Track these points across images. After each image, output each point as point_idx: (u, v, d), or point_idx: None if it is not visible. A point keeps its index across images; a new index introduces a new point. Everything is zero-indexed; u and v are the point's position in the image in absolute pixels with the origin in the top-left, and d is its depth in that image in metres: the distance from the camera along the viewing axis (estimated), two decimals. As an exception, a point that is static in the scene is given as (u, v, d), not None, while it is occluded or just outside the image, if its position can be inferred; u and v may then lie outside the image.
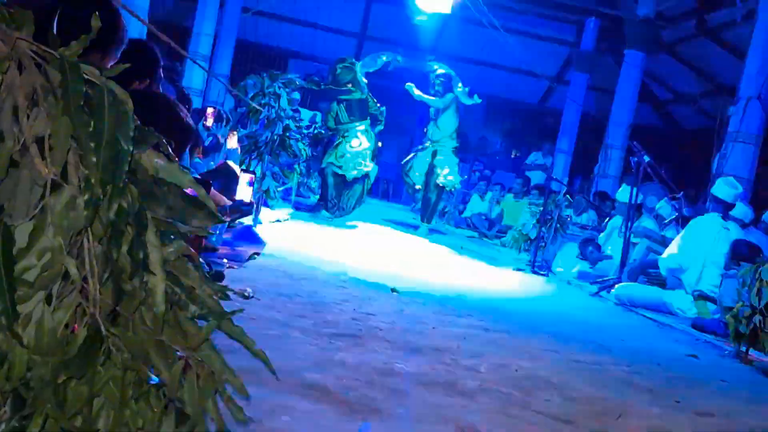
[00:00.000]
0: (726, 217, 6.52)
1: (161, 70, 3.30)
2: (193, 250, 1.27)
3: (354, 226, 9.13)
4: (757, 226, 7.21)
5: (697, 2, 11.70)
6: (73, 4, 2.49)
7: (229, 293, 1.30)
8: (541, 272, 7.91)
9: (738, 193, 6.60)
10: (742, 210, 6.83)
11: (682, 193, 7.89)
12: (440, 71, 10.15)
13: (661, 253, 6.93)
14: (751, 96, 7.92)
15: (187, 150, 3.09)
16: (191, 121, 2.86)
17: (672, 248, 6.61)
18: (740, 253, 5.55)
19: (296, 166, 8.47)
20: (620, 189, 8.11)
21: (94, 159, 1.07)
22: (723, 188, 6.55)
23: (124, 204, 1.10)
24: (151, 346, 1.11)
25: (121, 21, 2.60)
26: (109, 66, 2.46)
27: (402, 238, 9.10)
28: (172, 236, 1.21)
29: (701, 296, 6.22)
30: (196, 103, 10.58)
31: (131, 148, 1.10)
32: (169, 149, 1.27)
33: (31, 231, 1.07)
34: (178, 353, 1.17)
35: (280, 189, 8.64)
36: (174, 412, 1.17)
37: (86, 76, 1.11)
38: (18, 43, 1.11)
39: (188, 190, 1.23)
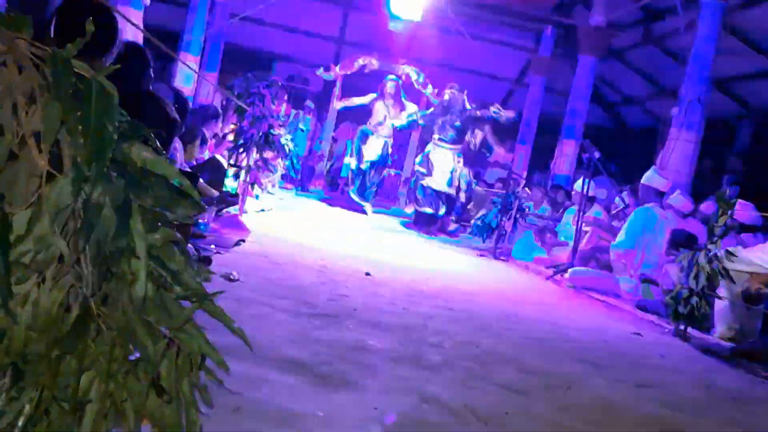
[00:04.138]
0: (663, 206, 6.61)
1: (152, 71, 3.28)
2: (180, 236, 1.27)
3: (335, 216, 9.11)
4: (695, 216, 7.30)
5: (644, 12, 11.76)
6: (76, 12, 2.49)
7: (216, 275, 1.30)
8: (502, 258, 7.95)
9: (666, 182, 6.70)
10: (682, 201, 6.92)
11: (628, 186, 7.96)
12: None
13: (608, 241, 7.01)
14: (692, 98, 8.00)
15: (175, 142, 3.09)
16: (177, 116, 2.85)
17: (620, 236, 6.70)
18: (678, 241, 5.62)
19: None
20: (577, 181, 8.16)
21: (82, 140, 1.07)
22: (655, 178, 6.65)
23: (109, 186, 1.10)
24: (137, 325, 1.11)
25: (117, 27, 2.62)
26: (107, 61, 2.47)
27: (376, 226, 9.09)
28: (159, 224, 1.21)
29: (646, 279, 6.30)
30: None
31: (116, 133, 1.10)
32: (157, 143, 1.26)
33: (29, 218, 1.07)
34: (164, 332, 1.17)
35: (265, 180, 8.60)
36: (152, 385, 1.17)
37: (77, 71, 1.10)
38: (17, 44, 1.11)
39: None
